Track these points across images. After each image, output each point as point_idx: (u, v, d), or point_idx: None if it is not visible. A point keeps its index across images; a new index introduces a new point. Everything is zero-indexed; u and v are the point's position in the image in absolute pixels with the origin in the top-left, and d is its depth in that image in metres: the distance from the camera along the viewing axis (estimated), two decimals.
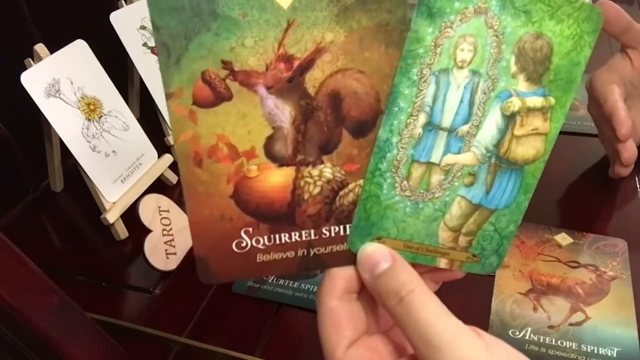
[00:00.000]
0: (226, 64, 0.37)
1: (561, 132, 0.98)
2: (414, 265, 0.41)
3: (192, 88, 0.37)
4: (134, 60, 0.93)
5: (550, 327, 0.67)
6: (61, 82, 0.80)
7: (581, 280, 0.71)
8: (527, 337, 0.65)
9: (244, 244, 0.41)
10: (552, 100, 0.41)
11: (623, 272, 0.72)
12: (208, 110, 0.38)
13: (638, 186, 0.86)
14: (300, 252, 0.42)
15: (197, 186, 0.39)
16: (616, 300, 0.69)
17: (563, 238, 0.77)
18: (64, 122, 0.79)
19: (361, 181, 0.41)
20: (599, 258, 0.74)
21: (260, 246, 0.41)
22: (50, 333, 0.53)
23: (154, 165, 0.89)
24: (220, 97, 0.37)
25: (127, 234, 0.84)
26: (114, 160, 0.83)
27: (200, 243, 0.41)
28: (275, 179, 0.40)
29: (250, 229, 0.41)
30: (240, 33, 0.36)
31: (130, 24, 0.92)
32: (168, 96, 0.37)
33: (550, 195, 0.86)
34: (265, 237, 0.41)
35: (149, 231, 0.76)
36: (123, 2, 0.93)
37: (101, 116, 0.84)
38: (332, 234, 0.42)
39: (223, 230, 0.40)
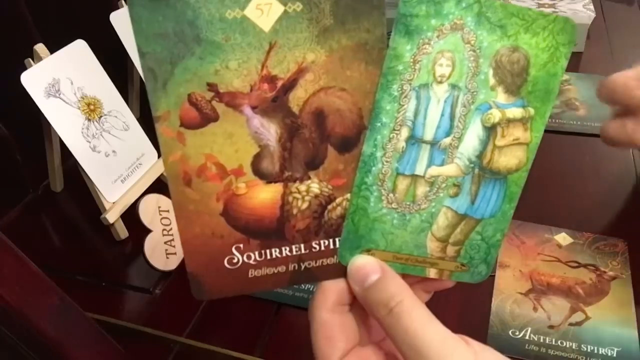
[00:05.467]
0: (211, 86, 0.38)
1: (561, 132, 0.98)
2: (403, 276, 0.42)
3: (179, 110, 0.38)
4: (134, 60, 0.93)
5: (550, 327, 0.67)
6: (61, 82, 0.80)
7: (581, 280, 0.72)
8: (527, 337, 0.66)
9: (235, 260, 0.42)
10: (532, 110, 0.41)
11: (623, 272, 0.72)
12: (195, 131, 0.38)
13: (638, 186, 0.86)
14: (291, 267, 0.43)
15: (188, 205, 0.40)
16: (616, 300, 0.69)
17: (563, 238, 0.77)
18: (64, 122, 0.79)
19: (348, 195, 0.41)
20: (599, 258, 0.74)
21: (251, 262, 0.42)
22: (50, 333, 0.53)
23: (154, 165, 0.89)
24: (206, 118, 0.38)
25: (127, 234, 0.84)
26: (114, 160, 0.84)
27: (193, 260, 0.41)
28: (263, 196, 0.41)
29: (241, 245, 0.41)
30: (224, 56, 0.37)
31: (130, 24, 0.91)
32: (156, 119, 0.38)
33: (550, 195, 0.86)
34: (256, 253, 0.42)
35: (149, 231, 0.76)
36: (123, 2, 0.93)
37: (101, 116, 0.84)
38: (322, 248, 0.42)
39: (214, 247, 0.41)
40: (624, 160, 0.92)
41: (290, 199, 0.41)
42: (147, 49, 0.36)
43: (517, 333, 0.66)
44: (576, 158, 0.93)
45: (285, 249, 0.42)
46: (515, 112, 0.41)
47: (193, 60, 0.37)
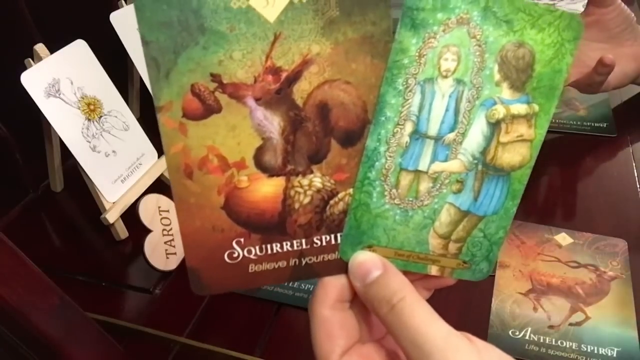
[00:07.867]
0: (215, 77, 0.37)
1: (561, 132, 0.99)
2: (405, 272, 0.41)
3: (181, 101, 0.37)
4: (134, 60, 0.93)
5: (550, 327, 0.67)
6: (61, 82, 0.80)
7: (581, 280, 0.71)
8: (527, 337, 0.66)
9: (235, 255, 0.41)
10: (536, 107, 0.41)
11: (623, 272, 0.72)
12: (198, 122, 0.38)
13: (638, 186, 0.86)
14: (292, 262, 0.42)
15: (188, 198, 0.39)
16: (616, 300, 0.69)
17: (563, 238, 0.77)
18: (64, 122, 0.79)
19: (351, 190, 0.41)
20: (599, 258, 0.74)
21: (252, 256, 0.41)
22: (50, 333, 0.53)
23: (154, 165, 0.89)
24: (209, 109, 0.38)
25: (127, 234, 0.84)
26: (114, 160, 0.84)
27: (193, 254, 0.41)
28: (265, 189, 0.40)
29: (242, 240, 0.41)
30: (228, 46, 0.37)
31: (130, 24, 0.91)
32: (158, 109, 0.37)
33: (550, 195, 0.86)
34: (257, 248, 0.41)
35: (149, 231, 0.76)
36: (123, 2, 0.93)
37: (101, 116, 0.84)
38: (324, 243, 0.42)
39: (215, 241, 0.41)
40: (624, 160, 0.92)
41: (292, 193, 0.41)
42: (150, 38, 0.36)
43: (517, 333, 0.66)
44: (576, 158, 0.94)
45: (287, 244, 0.42)
46: (520, 108, 0.41)
47: (197, 49, 0.36)
